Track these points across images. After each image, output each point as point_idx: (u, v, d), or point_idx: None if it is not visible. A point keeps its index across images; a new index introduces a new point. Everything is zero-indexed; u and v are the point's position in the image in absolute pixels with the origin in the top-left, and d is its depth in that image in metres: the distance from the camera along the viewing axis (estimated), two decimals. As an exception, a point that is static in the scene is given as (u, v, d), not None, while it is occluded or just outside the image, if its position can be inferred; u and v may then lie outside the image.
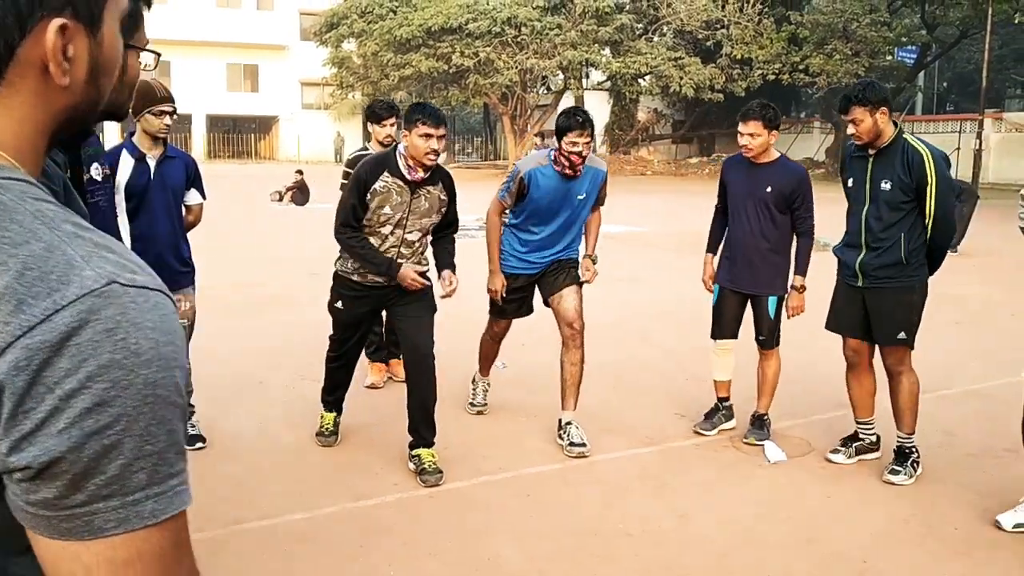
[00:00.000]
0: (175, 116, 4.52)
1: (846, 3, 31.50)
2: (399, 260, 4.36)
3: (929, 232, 4.30)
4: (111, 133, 26.62)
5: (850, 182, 4.49)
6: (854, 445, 4.67)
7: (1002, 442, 4.82)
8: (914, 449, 4.48)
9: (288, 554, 3.56)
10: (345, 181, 5.18)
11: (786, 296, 4.88)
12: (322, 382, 4.87)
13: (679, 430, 5.14)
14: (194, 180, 4.73)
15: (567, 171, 4.67)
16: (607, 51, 33.31)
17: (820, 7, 33.50)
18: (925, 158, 4.22)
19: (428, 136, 4.15)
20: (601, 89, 37.51)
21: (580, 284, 4.95)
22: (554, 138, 4.70)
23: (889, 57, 34.61)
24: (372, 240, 4.36)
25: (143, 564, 0.75)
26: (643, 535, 3.79)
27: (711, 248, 5.15)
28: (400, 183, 4.29)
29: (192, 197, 4.76)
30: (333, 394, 4.83)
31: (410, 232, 4.37)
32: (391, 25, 30.58)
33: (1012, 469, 4.45)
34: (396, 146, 4.42)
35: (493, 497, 4.19)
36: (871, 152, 4.36)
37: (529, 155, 5.05)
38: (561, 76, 33.54)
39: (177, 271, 4.60)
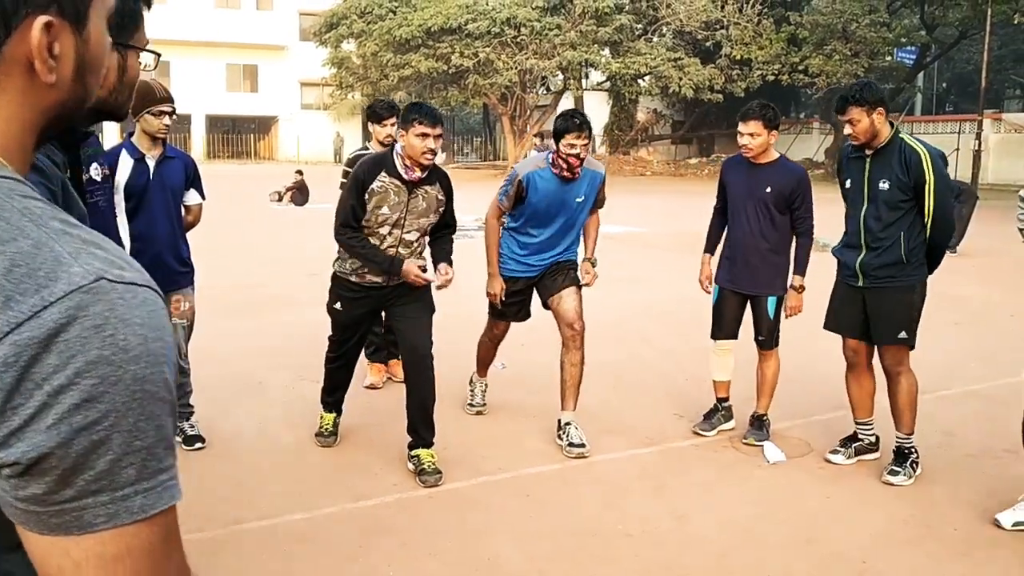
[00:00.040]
0: (174, 116, 4.52)
1: (845, 4, 31.51)
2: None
3: (928, 231, 4.31)
4: (110, 133, 26.63)
5: (848, 183, 4.50)
6: (853, 446, 4.67)
7: (1001, 443, 4.82)
8: (913, 449, 4.48)
9: (288, 554, 3.56)
10: (345, 181, 5.18)
11: (785, 296, 4.89)
12: (321, 383, 4.87)
13: (678, 430, 5.14)
14: (193, 180, 4.74)
15: (565, 173, 4.67)
16: (606, 51, 33.31)
17: (819, 8, 33.52)
18: (922, 157, 4.24)
19: (425, 136, 4.15)
20: (600, 89, 37.52)
21: (579, 285, 4.95)
22: (552, 139, 4.71)
23: (888, 58, 34.64)
24: (371, 241, 4.36)
25: (132, 559, 0.75)
26: (642, 535, 3.79)
27: (709, 248, 5.15)
28: (398, 183, 4.29)
29: (191, 197, 4.76)
30: (333, 395, 4.83)
31: (408, 232, 4.37)
32: (390, 25, 30.58)
33: (1011, 469, 4.45)
34: (393, 146, 4.42)
35: (492, 497, 4.19)
36: (868, 153, 4.37)
37: (527, 158, 5.05)
38: (560, 76, 33.55)
39: (176, 271, 4.60)
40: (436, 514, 3.97)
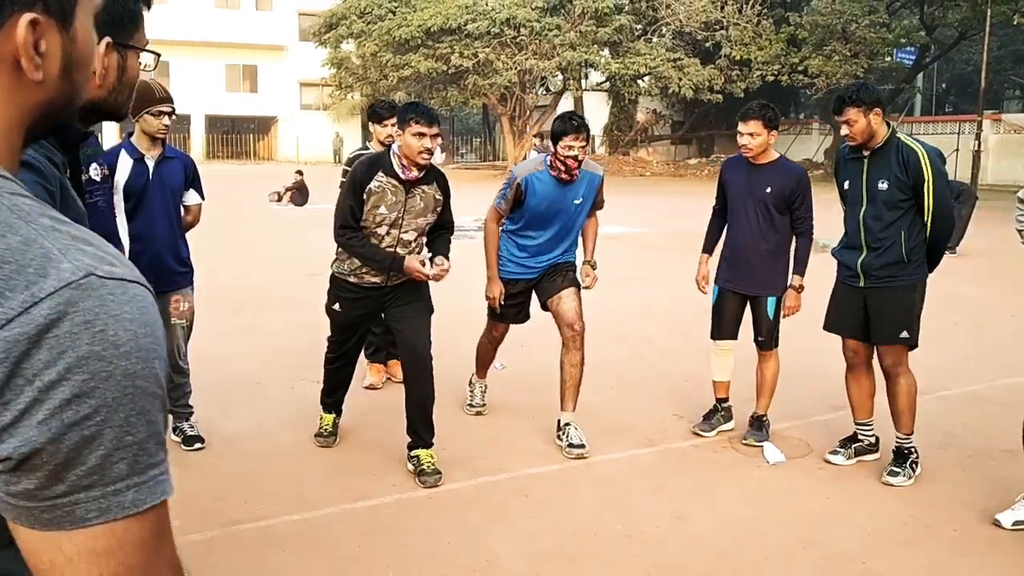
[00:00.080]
0: (174, 116, 4.52)
1: (845, 4, 31.53)
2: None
3: (928, 227, 4.32)
4: (110, 134, 26.63)
5: (846, 184, 4.50)
6: (853, 446, 4.67)
7: (1001, 443, 4.82)
8: (913, 450, 4.48)
9: (287, 555, 3.56)
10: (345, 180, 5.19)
11: (784, 295, 4.89)
12: (321, 383, 4.87)
13: (678, 431, 5.14)
14: (193, 180, 4.74)
15: (563, 175, 4.68)
16: (606, 52, 33.33)
17: (819, 8, 33.55)
18: (920, 155, 4.26)
19: (421, 135, 4.16)
20: (600, 90, 37.54)
21: (578, 286, 4.95)
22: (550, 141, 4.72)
23: (888, 58, 34.65)
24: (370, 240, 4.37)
25: (124, 553, 0.76)
26: (642, 536, 3.79)
27: (707, 248, 5.16)
28: (395, 183, 4.29)
29: (191, 197, 4.76)
30: (332, 395, 4.83)
31: (406, 232, 4.37)
32: (390, 26, 30.59)
33: (1011, 470, 4.45)
34: (390, 146, 4.43)
35: (492, 498, 4.19)
36: (866, 153, 4.38)
37: (525, 161, 5.06)
38: (560, 77, 33.57)
39: (175, 271, 4.60)
40: (436, 514, 3.97)
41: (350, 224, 4.33)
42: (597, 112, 38.79)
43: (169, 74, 37.98)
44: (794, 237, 4.90)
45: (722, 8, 32.40)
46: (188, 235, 4.78)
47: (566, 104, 35.03)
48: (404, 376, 4.55)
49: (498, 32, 29.64)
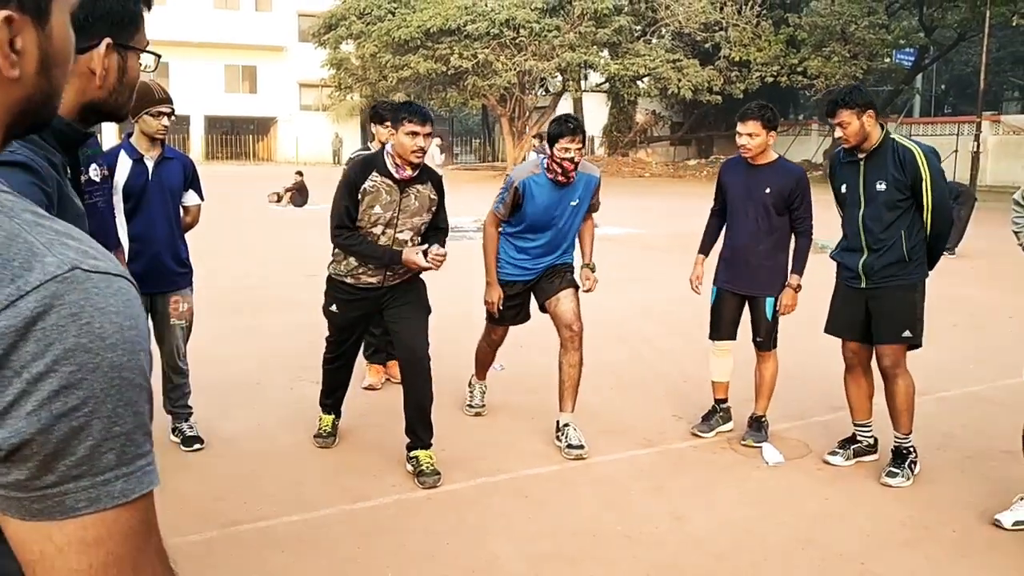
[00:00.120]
0: (173, 117, 4.52)
1: (844, 5, 31.55)
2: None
3: (928, 223, 4.33)
4: (109, 134, 26.63)
5: (843, 188, 4.51)
6: (852, 447, 4.67)
7: (1000, 444, 4.83)
8: (911, 449, 4.49)
9: (286, 556, 3.56)
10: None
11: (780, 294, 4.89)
12: (320, 384, 4.87)
13: (677, 432, 5.14)
14: (192, 181, 4.74)
15: (560, 178, 4.69)
16: (605, 53, 33.34)
17: (818, 9, 33.56)
18: (916, 154, 4.28)
19: (415, 134, 4.18)
20: (599, 91, 37.55)
21: (576, 287, 4.96)
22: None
23: (887, 59, 34.67)
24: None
25: (113, 543, 0.77)
26: (641, 536, 3.79)
27: (703, 249, 5.16)
28: (389, 182, 4.31)
29: (190, 198, 4.76)
30: (331, 396, 4.83)
31: (401, 232, 4.38)
32: (389, 27, 30.60)
33: (1011, 471, 4.45)
34: (384, 146, 4.44)
35: (491, 498, 4.19)
36: (861, 156, 4.39)
37: (522, 164, 5.07)
38: (559, 78, 33.58)
39: (175, 272, 4.60)
40: (435, 515, 3.97)
41: (346, 224, 4.34)
42: (596, 113, 38.81)
43: (168, 75, 37.97)
44: (793, 237, 4.90)
45: (721, 9, 32.42)
46: (187, 236, 4.78)
47: (565, 105, 35.06)
48: (402, 377, 4.55)
49: (497, 33, 29.65)
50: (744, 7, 32.51)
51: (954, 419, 5.41)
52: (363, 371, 5.78)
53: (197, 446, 4.68)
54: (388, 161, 4.31)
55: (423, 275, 4.57)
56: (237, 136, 43.85)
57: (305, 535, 3.73)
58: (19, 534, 0.76)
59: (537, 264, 4.96)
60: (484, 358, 5.39)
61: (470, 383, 5.46)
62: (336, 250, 4.51)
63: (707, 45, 33.65)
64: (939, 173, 4.33)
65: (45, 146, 1.50)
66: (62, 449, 0.73)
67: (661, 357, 6.87)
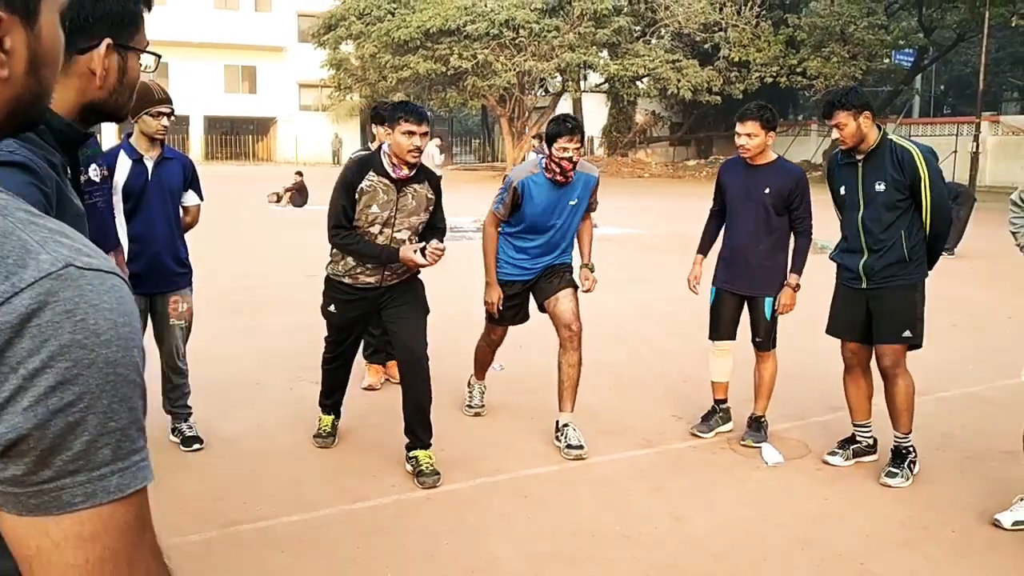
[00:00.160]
0: (173, 117, 4.51)
1: (843, 6, 31.57)
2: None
3: (927, 223, 4.34)
4: (109, 134, 26.62)
5: (842, 190, 4.52)
6: (851, 447, 4.68)
7: (1000, 444, 4.83)
8: (911, 449, 4.49)
9: (285, 556, 3.56)
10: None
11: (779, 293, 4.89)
12: (319, 384, 4.87)
13: (676, 432, 5.14)
14: (191, 181, 4.74)
15: (558, 177, 4.69)
16: (605, 53, 33.34)
17: (818, 10, 33.60)
18: (915, 154, 4.29)
19: (411, 133, 4.19)
20: (599, 91, 37.55)
21: (575, 287, 4.96)
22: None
23: (886, 60, 34.71)
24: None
25: (109, 537, 0.77)
26: (640, 537, 3.80)
27: (702, 249, 5.16)
28: (386, 182, 4.32)
29: (189, 198, 4.76)
30: (331, 397, 4.83)
31: (399, 231, 4.38)
32: (389, 27, 30.60)
33: (1010, 471, 4.46)
34: (380, 146, 4.45)
35: (490, 499, 4.19)
36: (859, 157, 4.40)
37: (521, 164, 5.08)
38: (559, 78, 33.58)
39: (174, 272, 4.60)
40: (434, 515, 3.97)
41: (343, 224, 4.35)
42: (596, 113, 38.83)
43: (168, 75, 37.97)
44: (793, 237, 4.91)
45: (721, 10, 32.44)
46: (187, 236, 4.78)
47: (565, 105, 35.08)
48: (401, 377, 4.56)
49: (497, 33, 29.65)
50: (743, 8, 32.53)
51: (953, 419, 5.41)
52: (362, 371, 5.78)
53: (196, 446, 4.68)
54: (385, 161, 4.33)
55: (421, 275, 4.58)
56: (237, 136, 43.84)
57: (305, 535, 3.73)
58: (15, 530, 0.76)
59: (536, 264, 4.96)
60: (483, 358, 5.39)
61: (469, 383, 5.46)
62: (334, 250, 4.52)
63: (706, 46, 33.67)
64: (937, 173, 4.35)
65: (45, 146, 1.51)
66: (58, 444, 0.74)
67: (660, 357, 6.87)
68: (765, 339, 4.91)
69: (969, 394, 5.97)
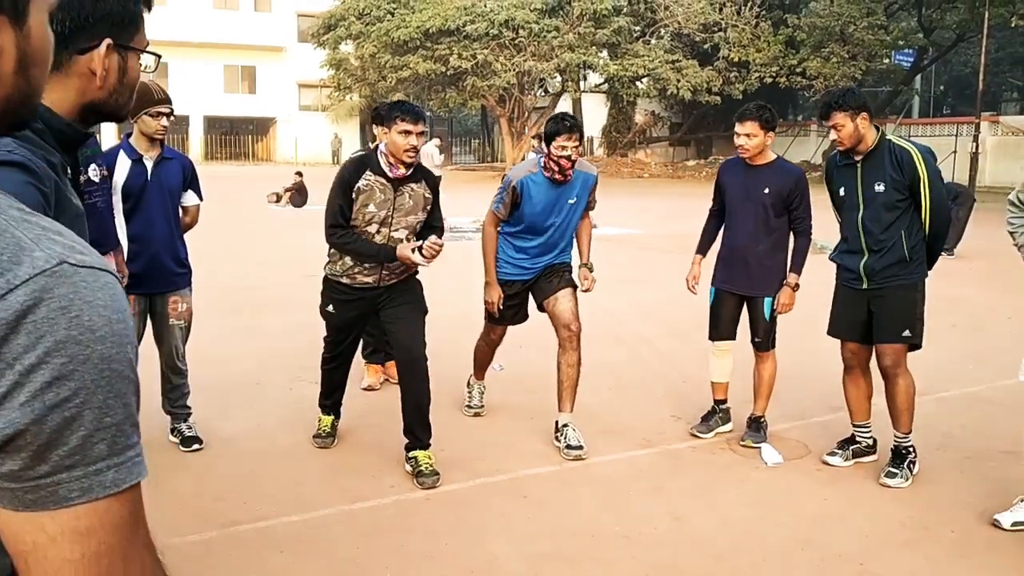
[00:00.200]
0: (172, 117, 4.51)
1: (843, 6, 31.58)
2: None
3: (927, 223, 4.34)
4: (108, 134, 26.61)
5: (841, 191, 4.52)
6: (851, 448, 4.67)
7: (1000, 444, 4.83)
8: (911, 449, 4.49)
9: (285, 556, 3.56)
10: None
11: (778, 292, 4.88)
12: (319, 384, 4.87)
13: (676, 432, 5.14)
14: (191, 181, 4.73)
15: (557, 176, 4.69)
16: (604, 53, 33.35)
17: (817, 10, 33.61)
18: (913, 154, 4.30)
19: (407, 133, 4.20)
20: (598, 91, 37.56)
21: (574, 287, 4.96)
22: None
23: (886, 60, 34.72)
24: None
25: (105, 532, 0.78)
26: (640, 537, 3.80)
27: (701, 249, 5.16)
28: (383, 181, 4.32)
29: (189, 198, 4.76)
30: (330, 398, 4.83)
31: (396, 230, 4.39)
32: (389, 27, 30.60)
33: (1010, 472, 4.46)
34: (377, 146, 4.46)
35: (490, 499, 4.19)
36: (857, 158, 4.40)
37: (520, 164, 5.08)
38: (559, 78, 33.58)
39: (174, 272, 4.60)
40: (434, 516, 3.97)
41: (340, 223, 4.36)
42: (595, 114, 38.84)
43: (167, 75, 37.96)
44: (792, 237, 4.91)
45: (720, 10, 32.44)
46: (186, 236, 4.78)
47: (564, 106, 35.08)
48: (399, 377, 4.55)
49: (496, 34, 29.65)
50: (743, 8, 32.54)
51: (953, 419, 5.41)
52: (361, 372, 5.78)
53: (196, 446, 4.68)
54: (382, 160, 4.34)
55: (420, 275, 4.58)
56: (236, 136, 43.84)
57: (304, 535, 3.73)
58: (11, 525, 0.77)
59: (536, 264, 4.96)
60: (483, 358, 5.39)
61: (469, 383, 5.46)
62: (332, 250, 4.52)
63: (706, 46, 33.67)
64: (936, 173, 4.35)
65: (45, 146, 1.50)
66: (55, 439, 0.74)
67: (660, 357, 6.87)
68: (764, 339, 4.91)
69: (969, 394, 5.97)
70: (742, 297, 4.95)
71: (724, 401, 5.11)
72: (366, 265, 4.42)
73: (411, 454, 4.39)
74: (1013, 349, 6.91)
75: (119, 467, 0.78)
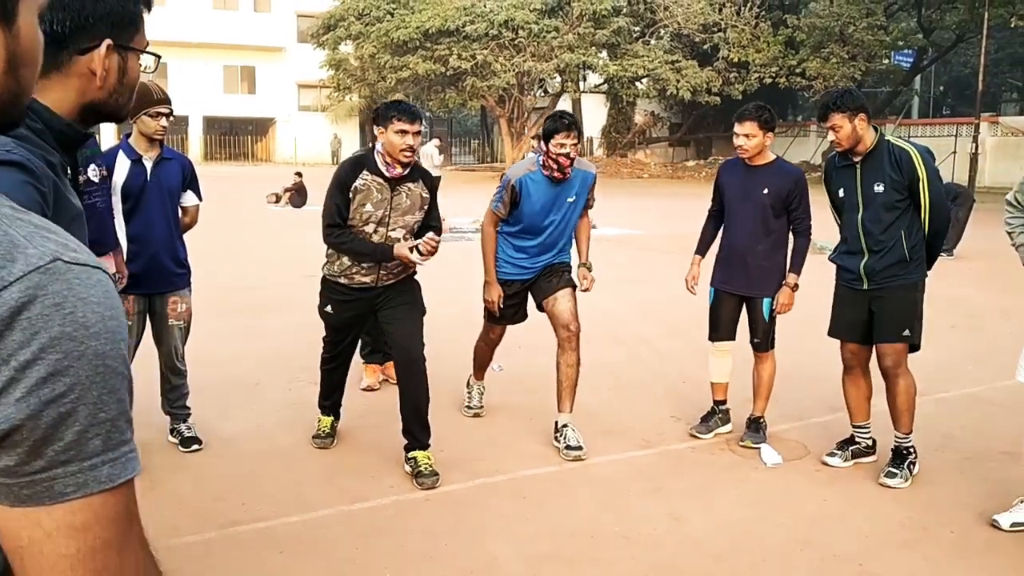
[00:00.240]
0: (172, 118, 4.51)
1: (843, 7, 31.60)
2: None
3: (927, 221, 4.35)
4: (108, 135, 26.60)
5: (840, 192, 4.52)
6: (850, 448, 4.67)
7: (999, 445, 4.83)
8: (912, 450, 4.49)
9: (283, 557, 3.56)
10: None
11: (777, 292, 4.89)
12: (318, 385, 4.87)
13: (675, 433, 5.14)
14: (190, 182, 4.73)
15: (556, 174, 4.69)
16: (604, 54, 33.37)
17: (817, 11, 33.63)
18: (912, 154, 4.30)
19: (404, 132, 4.21)
20: (598, 92, 37.58)
21: (574, 287, 4.96)
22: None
23: (886, 61, 34.74)
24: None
25: (100, 527, 0.78)
26: (639, 538, 3.79)
27: (700, 250, 5.16)
28: (380, 180, 4.33)
29: (188, 199, 4.76)
30: (330, 398, 4.83)
31: (394, 230, 4.39)
32: (388, 27, 30.61)
33: (1009, 472, 4.46)
34: (373, 145, 4.46)
35: (489, 499, 4.19)
36: (856, 160, 4.40)
37: (518, 163, 5.08)
38: (558, 79, 33.60)
39: (173, 272, 4.59)
40: (433, 516, 3.97)
41: (336, 223, 4.36)
42: (595, 114, 38.85)
43: (167, 75, 37.95)
44: (792, 237, 4.91)
45: (720, 10, 32.47)
46: (186, 236, 4.78)
47: (564, 106, 35.06)
48: (397, 378, 4.55)
49: (496, 34, 29.67)
50: (743, 8, 32.56)
51: (953, 420, 5.41)
52: (360, 372, 5.78)
53: (195, 447, 4.67)
54: (378, 160, 4.35)
55: (418, 275, 4.58)
56: (236, 137, 43.83)
57: (304, 536, 3.73)
58: (7, 521, 0.77)
59: (536, 263, 4.96)
60: (482, 358, 5.39)
61: (468, 383, 5.46)
62: (329, 250, 4.52)
63: (706, 46, 33.69)
64: (935, 172, 4.36)
65: (44, 145, 1.50)
66: (50, 434, 0.75)
67: (659, 358, 6.87)
68: (763, 340, 4.91)
69: (968, 395, 5.97)
70: (741, 298, 4.95)
71: (724, 402, 5.11)
72: (364, 265, 4.42)
73: (410, 455, 4.39)
74: (1012, 349, 6.91)
75: (114, 462, 0.78)
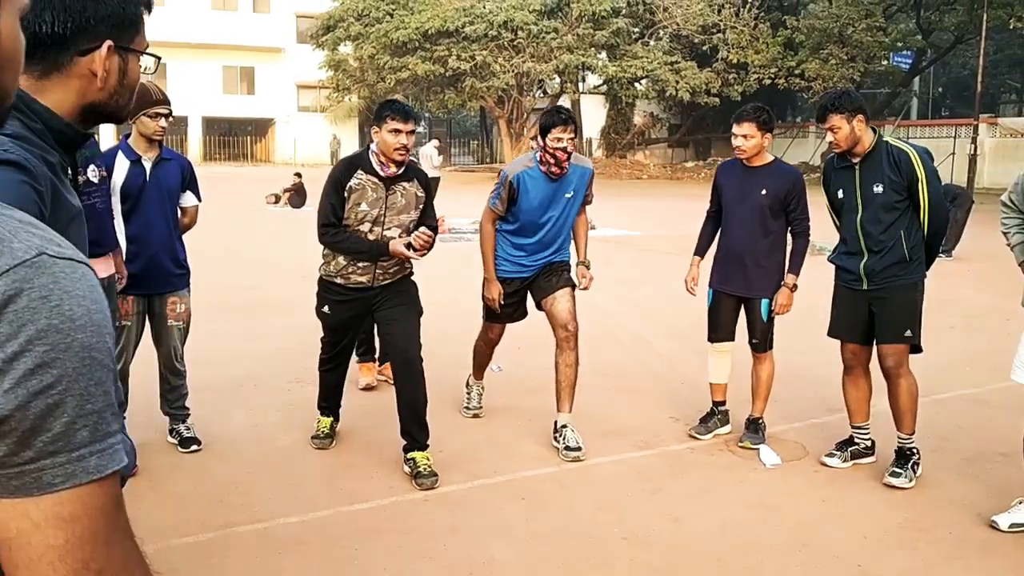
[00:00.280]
0: (171, 118, 4.52)
1: (842, 8, 31.62)
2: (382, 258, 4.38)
3: (926, 221, 4.36)
4: (107, 135, 26.58)
5: (840, 193, 4.53)
6: (849, 449, 4.68)
7: (997, 446, 4.84)
8: (915, 451, 4.49)
9: (282, 557, 3.56)
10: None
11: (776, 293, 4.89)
12: (317, 386, 4.87)
13: (675, 434, 5.14)
14: (190, 182, 4.74)
15: (554, 169, 4.70)
16: (603, 55, 33.37)
17: (816, 12, 33.64)
18: (911, 155, 4.32)
19: (397, 131, 4.23)
20: (597, 93, 37.58)
21: (573, 286, 4.96)
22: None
23: (884, 62, 34.74)
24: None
25: (88, 518, 0.79)
26: (638, 539, 3.80)
27: (699, 251, 5.17)
28: (375, 180, 4.34)
29: (187, 199, 4.76)
30: (329, 399, 4.84)
31: (389, 229, 4.40)
32: (387, 28, 30.60)
33: (1008, 473, 4.46)
34: (368, 145, 4.47)
35: (488, 500, 4.19)
36: (855, 160, 4.41)
37: (516, 160, 5.08)
38: (557, 80, 33.60)
39: (172, 273, 4.59)
40: (432, 517, 3.97)
41: (331, 222, 4.37)
42: (594, 115, 38.83)
43: (166, 76, 37.92)
44: (790, 238, 4.91)
45: (719, 11, 32.48)
46: (185, 237, 4.78)
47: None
48: (395, 378, 4.54)
49: (495, 35, 29.66)
50: (742, 9, 32.58)
51: (951, 421, 5.42)
52: (358, 373, 5.78)
53: (195, 447, 4.67)
54: (373, 159, 4.36)
55: (415, 275, 4.58)
56: (235, 137, 43.81)
57: (303, 536, 3.73)
58: None
59: (535, 261, 4.96)
60: (482, 357, 5.38)
61: (468, 384, 5.46)
62: (326, 251, 4.53)
63: (705, 47, 33.69)
64: (934, 173, 4.38)
65: (43, 145, 1.50)
66: (39, 425, 0.75)
67: (658, 359, 6.87)
68: (762, 340, 4.91)
69: (967, 396, 5.97)
70: (740, 298, 4.95)
71: (723, 403, 5.11)
72: (359, 265, 4.42)
73: (409, 455, 4.39)
74: (1011, 351, 6.91)
75: (101, 453, 0.79)
